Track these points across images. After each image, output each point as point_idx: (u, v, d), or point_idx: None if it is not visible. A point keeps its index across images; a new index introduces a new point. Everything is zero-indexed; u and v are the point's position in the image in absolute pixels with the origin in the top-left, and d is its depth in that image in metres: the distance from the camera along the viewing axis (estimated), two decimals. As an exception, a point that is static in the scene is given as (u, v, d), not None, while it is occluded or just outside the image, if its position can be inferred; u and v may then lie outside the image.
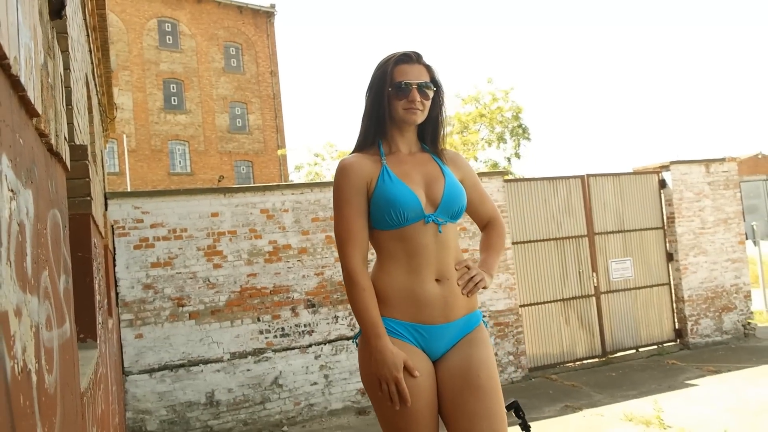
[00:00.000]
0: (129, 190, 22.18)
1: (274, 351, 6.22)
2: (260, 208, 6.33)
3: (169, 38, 26.71)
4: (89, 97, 3.75)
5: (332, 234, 6.51)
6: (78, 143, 2.02)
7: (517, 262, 7.54)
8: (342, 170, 1.89)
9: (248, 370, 6.10)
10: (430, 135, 2.02)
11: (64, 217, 1.19)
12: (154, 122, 25.91)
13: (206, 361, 5.97)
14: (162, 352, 5.84)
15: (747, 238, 10.73)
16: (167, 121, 26.18)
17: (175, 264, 5.94)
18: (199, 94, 27.12)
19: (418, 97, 1.88)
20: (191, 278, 6.00)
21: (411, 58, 1.93)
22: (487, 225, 2.13)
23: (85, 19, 3.41)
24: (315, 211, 6.53)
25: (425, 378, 1.80)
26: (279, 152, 25.94)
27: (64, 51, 1.91)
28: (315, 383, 6.34)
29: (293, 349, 6.30)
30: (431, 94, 1.93)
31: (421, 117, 1.92)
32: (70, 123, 1.98)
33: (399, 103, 1.89)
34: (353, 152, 1.97)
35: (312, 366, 6.35)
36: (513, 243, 7.50)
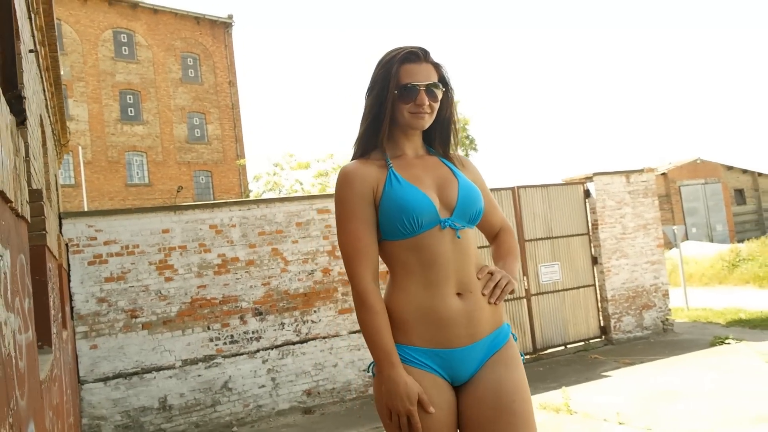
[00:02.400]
0: (84, 201, 22.17)
1: (224, 357, 6.68)
2: (209, 224, 6.79)
3: (125, 49, 26.72)
4: (43, 132, 4.19)
5: (278, 246, 7.03)
6: (34, 187, 2.50)
7: (453, 268, 8.15)
8: (344, 179, 1.72)
9: (199, 375, 6.54)
10: (438, 138, 1.87)
11: (27, 257, 1.70)
12: (111, 133, 25.86)
13: (159, 369, 6.39)
14: (116, 361, 6.24)
15: (673, 242, 11.63)
16: (124, 132, 26.16)
17: (128, 278, 6.35)
18: (156, 104, 27.17)
19: (426, 101, 1.72)
20: (144, 291, 6.41)
21: (418, 56, 1.75)
22: (498, 234, 1.97)
23: (38, 61, 3.85)
24: (261, 226, 7.02)
25: (444, 413, 1.65)
26: (238, 162, 26.19)
27: (23, 123, 2.39)
28: (263, 386, 6.81)
29: (242, 354, 6.76)
30: (440, 95, 1.77)
31: (429, 121, 1.77)
32: (27, 171, 2.47)
33: (405, 107, 1.73)
34: (353, 159, 1.82)
35: (260, 370, 6.82)
36: (448, 251, 8.12)
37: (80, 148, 23.97)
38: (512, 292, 1.75)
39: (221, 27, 29.47)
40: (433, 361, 1.66)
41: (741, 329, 9.25)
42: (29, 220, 1.80)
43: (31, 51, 2.93)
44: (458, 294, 1.68)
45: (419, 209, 1.66)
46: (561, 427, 5.37)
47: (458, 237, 1.70)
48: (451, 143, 1.88)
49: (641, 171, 9.69)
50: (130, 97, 26.53)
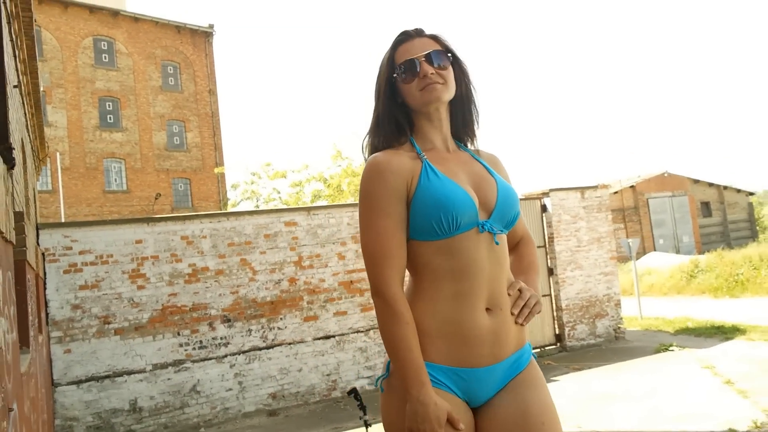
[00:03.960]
0: (62, 208, 22.30)
1: (193, 361, 7.04)
2: (181, 235, 7.16)
3: (105, 56, 26.89)
4: (23, 150, 4.57)
5: (247, 257, 7.43)
6: (17, 210, 2.90)
7: (414, 278, 8.61)
8: (375, 170, 1.53)
9: (169, 379, 6.90)
10: (461, 121, 1.68)
11: (12, 273, 2.12)
12: (89, 140, 25.98)
13: (130, 372, 6.74)
14: (89, 365, 6.58)
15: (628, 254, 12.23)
16: (103, 139, 26.29)
17: (102, 286, 6.70)
18: (136, 112, 27.35)
19: (430, 69, 1.55)
20: (117, 299, 6.77)
21: (409, 34, 1.63)
22: (518, 245, 1.80)
23: (21, 90, 4.24)
24: (231, 237, 7.41)
25: None
26: (216, 170, 26.46)
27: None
28: (230, 389, 7.18)
29: (210, 359, 7.14)
30: (448, 63, 1.59)
31: (445, 91, 1.57)
32: (12, 200, 2.87)
33: (412, 86, 1.57)
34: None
35: (227, 374, 7.20)
36: (410, 262, 8.58)
37: (58, 154, 24.08)
38: (538, 313, 1.60)
39: (202, 36, 29.77)
40: (451, 380, 1.51)
41: (687, 337, 9.82)
42: (14, 242, 2.22)
43: (15, 86, 3.33)
44: (487, 309, 1.52)
45: (459, 207, 1.48)
46: (503, 427, 5.84)
47: (496, 243, 1.55)
48: (476, 125, 1.69)
49: (596, 187, 10.26)
50: (109, 104, 26.69)
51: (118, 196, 26.24)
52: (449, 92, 1.59)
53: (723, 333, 9.65)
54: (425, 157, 1.56)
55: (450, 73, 1.59)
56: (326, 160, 16.34)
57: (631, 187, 27.18)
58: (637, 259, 21.30)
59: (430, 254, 1.52)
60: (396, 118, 1.61)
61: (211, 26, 29.82)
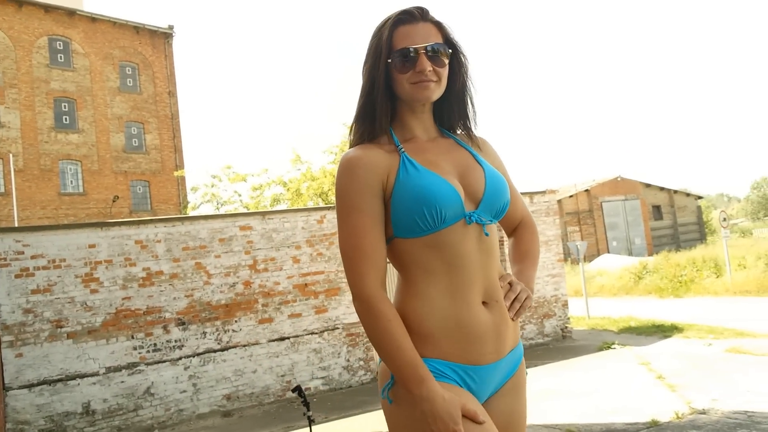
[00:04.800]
0: (15, 210, 21.79)
1: (147, 364, 7.12)
2: (135, 239, 7.23)
3: (60, 56, 26.37)
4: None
5: (201, 260, 7.54)
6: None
7: (369, 281, 8.84)
8: (347, 167, 1.46)
9: (122, 381, 6.96)
10: (456, 114, 1.60)
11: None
12: (44, 141, 25.42)
13: (83, 375, 6.77)
14: (41, 368, 6.59)
15: (573, 257, 12.71)
16: (58, 141, 25.77)
17: (54, 290, 6.72)
18: (92, 113, 26.88)
19: (428, 66, 1.45)
20: (69, 302, 6.80)
21: (413, 15, 1.50)
22: (517, 228, 1.71)
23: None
24: (185, 241, 7.51)
25: (491, 425, 1.40)
26: (176, 173, 26.19)
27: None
28: (184, 391, 7.28)
29: (164, 362, 7.22)
30: (446, 59, 1.50)
31: (436, 90, 1.49)
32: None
33: (404, 77, 1.47)
34: (352, 147, 1.54)
35: (182, 376, 7.29)
36: (364, 265, 8.80)
37: (11, 155, 23.51)
38: (530, 306, 1.53)
39: (161, 37, 29.44)
40: (459, 377, 1.42)
41: (629, 335, 10.31)
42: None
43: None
44: (484, 303, 1.45)
45: (442, 199, 1.40)
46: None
47: (486, 234, 1.47)
48: (472, 119, 1.60)
49: (544, 192, 10.67)
50: (65, 105, 26.17)
51: (74, 199, 25.74)
52: (440, 91, 1.51)
53: (662, 331, 10.16)
54: (403, 149, 1.49)
55: (446, 71, 1.50)
56: (286, 163, 16.47)
57: (586, 191, 28.01)
58: (591, 261, 22.02)
59: (417, 250, 1.43)
60: (385, 108, 1.51)
61: (171, 27, 29.53)
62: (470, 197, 1.47)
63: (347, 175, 1.46)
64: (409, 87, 1.47)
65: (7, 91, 24.40)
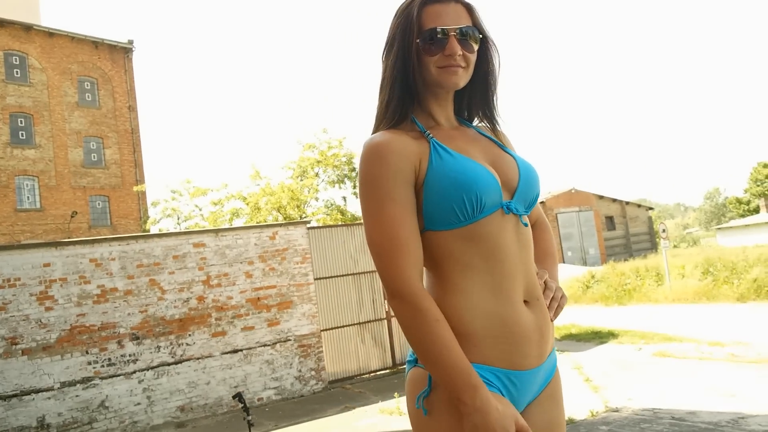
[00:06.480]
0: (-31, 228, 21.45)
1: (101, 378, 7.36)
2: (89, 258, 7.49)
3: (16, 71, 26.13)
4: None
5: (156, 277, 7.83)
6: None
7: (320, 294, 9.23)
8: (375, 153, 1.33)
9: (77, 396, 7.19)
10: (479, 103, 1.51)
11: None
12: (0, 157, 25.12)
13: (38, 391, 6.98)
14: (-4, 385, 6.78)
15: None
16: (14, 156, 25.48)
17: (9, 308, 6.94)
18: (50, 128, 26.66)
19: (458, 50, 1.35)
20: (24, 320, 7.02)
21: None
22: (534, 227, 1.58)
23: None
24: (140, 259, 7.79)
25: None
26: (136, 188, 26.12)
27: None
28: (138, 403, 7.54)
29: (119, 376, 7.47)
30: (476, 45, 1.40)
31: (463, 77, 1.39)
32: None
33: (432, 60, 1.36)
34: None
35: (136, 389, 7.55)
36: (316, 279, 9.20)
37: (-35, 172, 23.18)
38: (564, 306, 1.45)
39: (121, 52, 29.40)
40: (503, 384, 1.30)
41: (569, 342, 10.92)
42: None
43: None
44: (525, 302, 1.34)
45: (482, 185, 1.30)
46: (390, 424, 6.54)
47: (525, 224, 1.38)
48: (496, 109, 1.51)
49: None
50: (21, 120, 25.91)
51: (30, 215, 25.44)
52: (467, 78, 1.41)
53: (600, 338, 10.80)
54: (431, 135, 1.37)
55: (474, 57, 1.40)
56: (245, 179, 16.78)
57: (542, 202, 28.90)
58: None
59: (454, 243, 1.31)
60: (403, 99, 1.40)
61: (131, 42, 29.52)
62: (505, 186, 1.37)
63: (376, 161, 1.32)
64: (435, 71, 1.37)
65: (-40, 106, 24.07)
